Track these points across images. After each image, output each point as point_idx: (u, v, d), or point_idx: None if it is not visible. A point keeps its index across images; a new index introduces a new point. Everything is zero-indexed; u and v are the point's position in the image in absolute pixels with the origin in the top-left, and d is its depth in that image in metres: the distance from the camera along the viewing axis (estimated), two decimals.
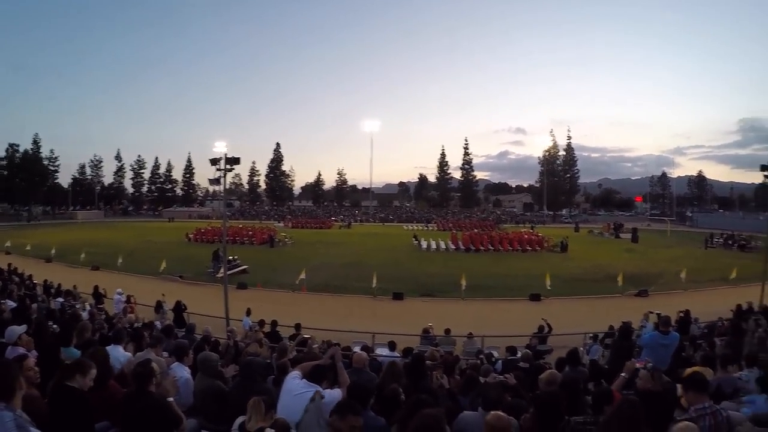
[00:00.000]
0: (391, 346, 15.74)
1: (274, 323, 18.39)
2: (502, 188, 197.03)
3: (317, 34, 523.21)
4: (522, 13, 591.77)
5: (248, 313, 20.20)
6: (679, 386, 6.47)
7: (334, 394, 5.81)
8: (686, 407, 5.57)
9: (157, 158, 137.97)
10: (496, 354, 15.60)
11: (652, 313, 18.44)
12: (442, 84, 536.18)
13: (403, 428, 4.83)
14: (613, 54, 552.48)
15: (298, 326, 17.47)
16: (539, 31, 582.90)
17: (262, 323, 18.25)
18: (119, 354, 7.86)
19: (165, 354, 8.40)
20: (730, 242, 61.73)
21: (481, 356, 14.50)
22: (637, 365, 7.59)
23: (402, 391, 6.72)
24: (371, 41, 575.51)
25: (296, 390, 5.92)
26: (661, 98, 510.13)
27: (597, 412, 5.70)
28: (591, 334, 19.59)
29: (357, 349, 12.86)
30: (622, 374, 7.27)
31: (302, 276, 31.10)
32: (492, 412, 4.70)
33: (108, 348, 7.44)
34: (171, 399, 5.48)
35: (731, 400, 7.21)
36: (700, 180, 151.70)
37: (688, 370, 6.26)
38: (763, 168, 24.52)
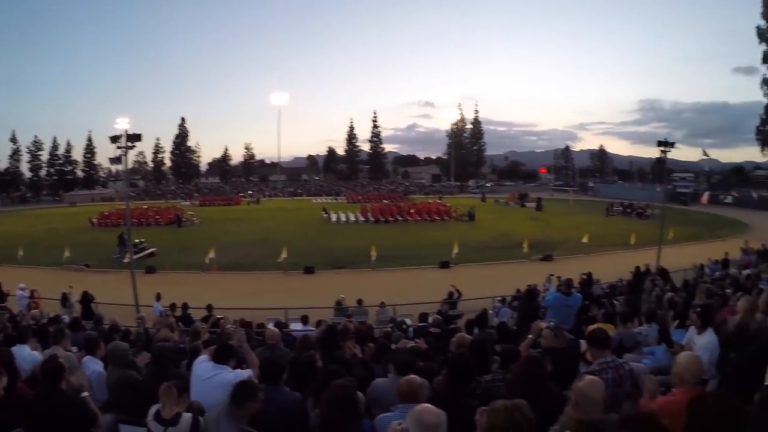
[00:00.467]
0: (304, 320, 15.87)
1: (185, 306, 18.19)
2: (411, 160, 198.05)
3: (222, 4, 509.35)
4: None
5: (158, 297, 19.75)
6: (583, 342, 6.82)
7: (242, 375, 5.76)
8: (591, 361, 5.86)
9: (55, 138, 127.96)
10: (408, 321, 15.92)
11: (554, 276, 19.25)
12: (352, 57, 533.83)
13: (317, 400, 4.92)
14: (523, 33, 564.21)
15: (209, 307, 17.36)
16: (451, 6, 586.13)
17: (173, 307, 18.00)
18: (25, 354, 7.49)
19: (74, 349, 8.20)
20: (628, 210, 64.90)
21: (391, 325, 14.82)
22: (542, 325, 7.96)
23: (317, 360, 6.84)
24: (279, 11, 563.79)
25: (205, 374, 5.88)
26: (567, 77, 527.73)
27: (505, 370, 5.98)
28: (499, 298, 20.28)
29: (270, 325, 12.87)
30: (529, 335, 7.56)
31: (211, 255, 30.75)
32: (404, 377, 4.84)
33: (13, 349, 7.17)
34: (85, 394, 5.39)
35: (633, 353, 7.74)
36: (601, 153, 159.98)
37: (591, 327, 6.60)
38: (660, 144, 26.89)
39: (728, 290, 12.39)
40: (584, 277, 20.35)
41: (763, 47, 33.86)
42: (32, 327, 10.57)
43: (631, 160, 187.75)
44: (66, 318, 15.41)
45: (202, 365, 6.05)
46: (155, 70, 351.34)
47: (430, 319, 13.73)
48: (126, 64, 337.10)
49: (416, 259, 33.69)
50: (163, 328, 11.14)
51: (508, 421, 3.31)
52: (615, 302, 14.83)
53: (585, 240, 35.20)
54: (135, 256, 25.01)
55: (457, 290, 20.88)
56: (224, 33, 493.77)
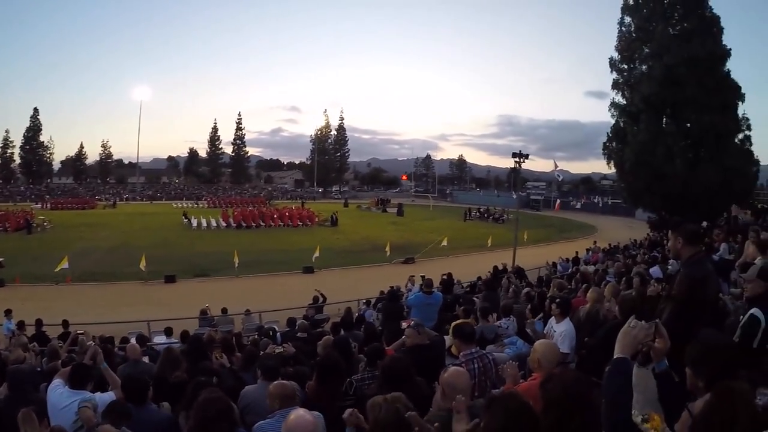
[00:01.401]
0: (168, 332, 15.54)
1: (38, 323, 17.03)
2: (275, 165, 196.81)
3: None
4: None
5: (8, 314, 18.26)
6: (447, 337, 7.14)
7: (105, 398, 5.46)
8: (456, 354, 6.16)
9: None
10: (276, 328, 15.89)
11: (415, 276, 19.84)
12: (218, 57, 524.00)
13: (189, 414, 4.86)
14: (391, 45, 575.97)
15: (65, 323, 16.42)
16: (322, 13, 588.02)
17: (21, 325, 16.83)
18: None
19: None
20: (486, 215, 69.26)
21: (257, 332, 14.79)
22: (403, 324, 8.24)
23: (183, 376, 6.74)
24: (141, 4, 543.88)
25: (62, 402, 5.36)
26: (432, 90, 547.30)
27: (372, 368, 6.16)
28: (364, 300, 20.64)
29: (132, 339, 12.52)
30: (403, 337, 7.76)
31: (65, 265, 29.06)
32: (275, 382, 4.88)
33: None
34: None
35: (494, 345, 8.35)
36: (460, 162, 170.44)
37: (455, 323, 6.90)
38: (515, 155, 29.95)
39: (579, 284, 13.45)
40: (445, 277, 21.00)
41: (613, 76, 36.88)
42: None
43: (489, 169, 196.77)
44: None
45: (57, 391, 5.57)
46: (5, 53, 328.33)
47: (296, 325, 13.80)
48: None
49: (280, 265, 33.71)
50: (15, 349, 10.57)
51: (392, 413, 3.44)
52: (475, 299, 15.50)
53: (444, 243, 36.41)
54: None
55: (322, 294, 21.06)
56: (84, 19, 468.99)
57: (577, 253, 27.98)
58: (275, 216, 58.56)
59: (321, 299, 20.91)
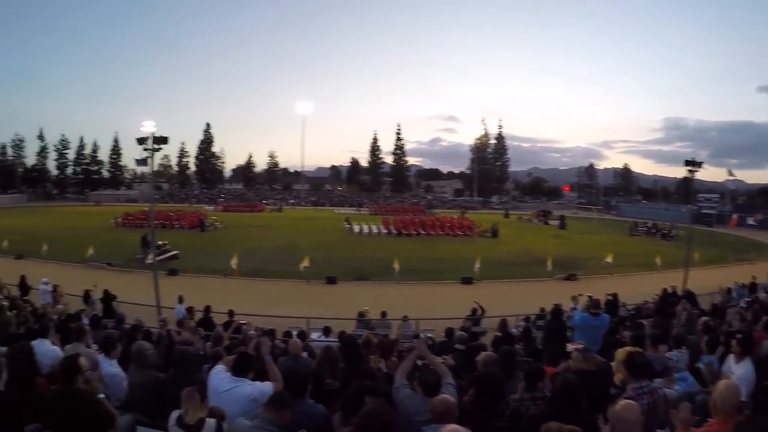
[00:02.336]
0: (326, 331, 15.71)
1: (207, 310, 18.09)
2: (434, 174, 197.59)
3: (247, 12, 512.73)
4: (457, 2, 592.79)
5: (180, 300, 19.67)
6: (612, 364, 6.64)
7: (264, 388, 5.60)
8: (619, 385, 5.71)
9: (82, 138, 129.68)
10: (433, 336, 15.73)
11: (581, 295, 18.90)
12: (376, 69, 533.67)
13: (348, 417, 4.79)
14: (546, 48, 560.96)
15: (231, 312, 17.22)
16: (475, 21, 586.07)
17: (190, 310, 17.95)
18: (46, 349, 7.39)
19: (94, 346, 8.12)
20: (653, 231, 63.98)
21: (414, 339, 14.63)
22: (569, 346, 7.76)
23: (340, 376, 6.70)
24: (304, 22, 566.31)
25: (222, 386, 5.70)
26: (591, 94, 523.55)
27: (532, 389, 5.80)
28: (523, 316, 19.96)
29: (294, 334, 12.77)
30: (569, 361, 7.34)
31: (234, 261, 30.69)
32: (438, 397, 4.70)
33: (34, 343, 7.07)
34: (101, 395, 5.30)
35: (662, 379, 7.48)
36: (625, 172, 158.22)
37: (626, 350, 6.41)
38: (687, 163, 25.77)
39: (759, 316, 12.12)
40: (610, 297, 20.01)
41: None
42: (54, 322, 10.52)
43: (656, 179, 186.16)
44: (85, 317, 15.40)
45: (219, 376, 5.89)
46: (181, 76, 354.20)
47: (454, 336, 13.53)
48: (153, 68, 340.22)
49: (438, 274, 33.43)
50: (184, 332, 11.06)
51: None
52: (643, 323, 14.59)
53: (609, 260, 34.72)
54: (158, 258, 25.02)
55: (481, 306, 20.61)
56: (250, 40, 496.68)
57: (754, 278, 24.41)
58: (435, 225, 58.56)
59: (479, 311, 20.51)
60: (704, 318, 11.99)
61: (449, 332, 13.94)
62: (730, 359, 7.13)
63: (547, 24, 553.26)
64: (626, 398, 4.81)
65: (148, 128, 65.12)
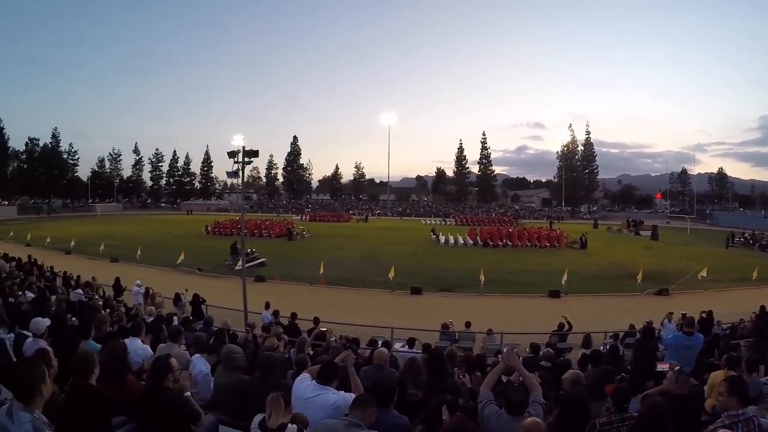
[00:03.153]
0: (410, 342, 15.64)
1: (293, 316, 18.37)
2: (520, 183, 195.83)
3: (334, 27, 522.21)
4: (541, 8, 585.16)
5: (267, 306, 20.05)
6: (705, 388, 6.35)
7: (347, 397, 5.63)
8: (709, 411, 5.46)
9: (175, 151, 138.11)
10: (517, 352, 15.48)
11: (672, 313, 18.23)
12: (460, 78, 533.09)
13: (429, 429, 4.77)
14: (632, 49, 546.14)
15: (316, 320, 17.42)
16: (558, 26, 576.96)
17: (276, 314, 18.48)
18: (137, 347, 7.75)
19: (184, 347, 8.36)
20: (751, 242, 60.99)
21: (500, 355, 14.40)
22: (661, 366, 7.46)
23: (423, 388, 6.66)
24: (389, 34, 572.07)
25: (306, 393, 5.81)
26: (680, 94, 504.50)
27: (620, 411, 5.58)
28: (611, 333, 19.41)
29: (380, 343, 12.80)
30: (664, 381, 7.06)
31: (320, 269, 31.07)
32: (531, 419, 4.59)
33: (126, 341, 7.36)
34: (188, 393, 5.44)
35: (756, 406, 7.08)
36: (720, 177, 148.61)
37: (720, 373, 6.12)
38: None
39: None
40: (704, 315, 19.21)
41: None
42: (146, 322, 10.87)
43: (753, 184, 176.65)
44: (176, 318, 15.89)
45: (304, 384, 5.99)
46: (270, 91, 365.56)
47: (541, 352, 13.26)
48: (242, 83, 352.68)
49: (525, 286, 32.79)
50: (270, 337, 11.23)
51: None
52: (739, 344, 13.95)
53: (704, 274, 33.29)
54: (246, 265, 25.55)
55: (568, 322, 20.13)
56: (336, 56, 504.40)
57: None
58: (522, 235, 57.79)
59: (566, 327, 20.05)
60: None
61: (535, 348, 13.67)
62: None
63: (634, 25, 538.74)
64: (722, 427, 4.60)
65: (238, 142, 66.70)
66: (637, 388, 7.21)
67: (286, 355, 9.85)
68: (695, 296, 29.66)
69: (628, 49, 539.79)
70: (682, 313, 13.94)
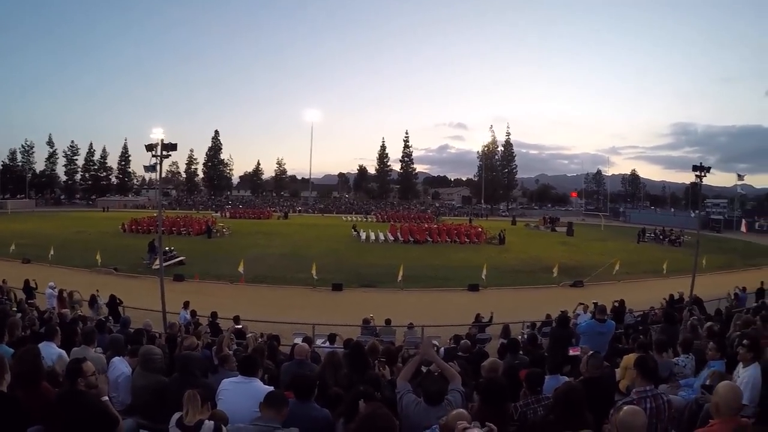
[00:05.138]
0: (331, 338, 15.66)
1: (213, 315, 18.20)
2: (441, 181, 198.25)
3: (257, 20, 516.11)
4: (466, 12, 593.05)
5: (185, 306, 19.76)
6: (617, 371, 6.61)
7: (270, 388, 5.74)
8: (623, 391, 5.70)
9: (91, 144, 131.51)
10: (436, 343, 15.70)
11: (581, 304, 18.88)
12: (384, 76, 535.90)
13: (349, 421, 4.81)
14: (554, 55, 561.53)
15: (236, 318, 17.23)
16: (484, 29, 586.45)
17: (193, 314, 18.35)
18: (52, 351, 7.47)
19: (99, 350, 8.14)
20: (661, 237, 64.18)
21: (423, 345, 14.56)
22: (571, 352, 7.75)
23: (344, 382, 6.70)
24: (313, 29, 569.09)
25: (233, 385, 5.92)
26: (599, 100, 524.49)
27: (533, 394, 5.83)
28: (529, 323, 19.92)
29: (298, 340, 12.76)
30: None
31: (241, 268, 30.71)
32: (454, 412, 4.66)
33: (40, 345, 7.11)
34: (106, 398, 5.32)
35: (668, 385, 7.51)
36: (633, 178, 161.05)
37: (632, 356, 6.40)
38: (695, 168, 25.19)
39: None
40: (616, 304, 19.96)
41: None
42: (59, 325, 10.54)
43: (664, 185, 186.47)
44: (91, 319, 15.48)
45: (230, 378, 6.09)
46: (190, 83, 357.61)
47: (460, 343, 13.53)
48: (162, 75, 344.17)
49: (445, 281, 33.48)
50: (189, 337, 11.06)
51: None
52: (649, 329, 14.58)
53: (616, 267, 34.62)
54: (164, 264, 25.04)
55: (488, 315, 20.60)
56: (260, 47, 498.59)
57: (762, 283, 24.01)
58: (442, 232, 58.47)
59: (485, 318, 20.47)
60: (709, 323, 11.93)
61: (457, 339, 13.97)
62: (738, 365, 7.04)
63: (556, 32, 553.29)
64: (630, 402, 4.80)
65: (157, 135, 65.00)
66: (554, 372, 7.49)
67: (206, 355, 9.73)
68: (609, 287, 30.78)
69: (552, 56, 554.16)
70: (593, 302, 14.48)
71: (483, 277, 31.57)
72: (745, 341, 7.10)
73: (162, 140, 20.49)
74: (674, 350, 9.45)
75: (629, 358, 7.52)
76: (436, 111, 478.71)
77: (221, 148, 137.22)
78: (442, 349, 13.72)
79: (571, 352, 8.73)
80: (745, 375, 6.60)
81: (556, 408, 4.84)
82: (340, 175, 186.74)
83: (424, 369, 8.14)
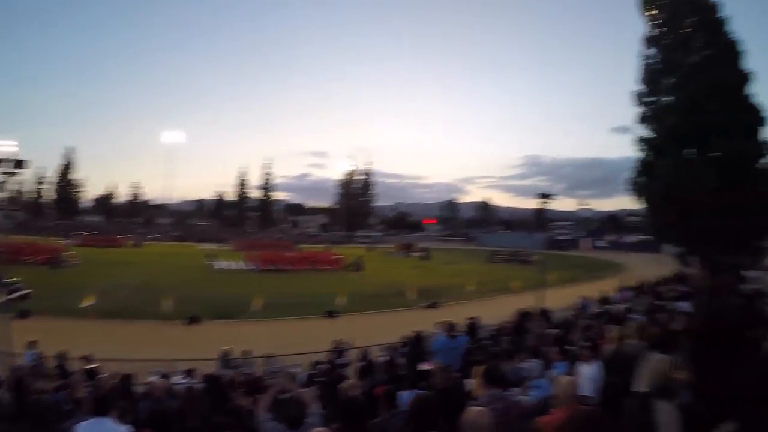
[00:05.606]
0: (189, 372, 15.42)
1: (61, 356, 17.17)
2: (301, 209, 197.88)
3: (115, 35, 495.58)
4: (326, 39, 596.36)
5: (31, 345, 18.40)
6: (471, 381, 7.08)
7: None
8: (476, 398, 6.12)
9: None
10: (299, 371, 15.80)
11: (441, 322, 19.60)
12: (244, 102, 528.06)
13: None
14: (416, 88, 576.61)
15: (87, 358, 16.46)
16: (345, 58, 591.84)
17: (40, 356, 17.15)
18: None
19: None
20: (511, 258, 68.61)
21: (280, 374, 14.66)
22: (425, 366, 8.18)
23: (204, 416, 6.72)
24: (168, 50, 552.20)
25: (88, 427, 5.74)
26: (456, 132, 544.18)
27: (390, 407, 6.14)
28: (386, 345, 20.33)
29: (154, 378, 12.52)
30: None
31: (90, 302, 29.35)
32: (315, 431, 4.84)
33: None
34: None
35: (519, 387, 8.18)
36: (485, 205, 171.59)
37: (482, 367, 6.86)
38: (540, 195, 28.60)
39: (607, 324, 13.25)
40: (470, 321, 20.79)
41: (637, 109, 36.19)
42: None
43: (515, 211, 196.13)
44: None
45: (84, 423, 5.91)
46: (42, 94, 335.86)
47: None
48: (10, 83, 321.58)
49: (303, 309, 33.37)
50: (39, 379, 10.60)
51: None
52: (502, 341, 15.41)
53: (471, 287, 36.05)
54: (8, 297, 23.58)
55: (344, 341, 20.87)
56: (116, 66, 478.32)
57: (604, 293, 26.42)
58: (301, 259, 58.53)
59: (344, 344, 20.72)
60: (554, 331, 13.18)
61: (317, 365, 14.19)
62: (580, 364, 7.80)
63: (417, 65, 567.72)
64: (479, 405, 5.18)
65: (6, 148, 60.27)
66: (410, 387, 7.88)
67: (59, 399, 9.39)
68: (464, 306, 31.99)
69: (412, 88, 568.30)
70: (444, 321, 15.17)
71: (339, 303, 31.89)
72: (585, 343, 7.97)
73: (13, 155, 19.43)
74: (523, 357, 10.19)
75: (479, 369, 8.06)
76: (297, 139, 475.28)
77: (73, 168, 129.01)
78: (304, 375, 13.87)
79: (424, 367, 9.18)
80: (587, 371, 7.39)
81: (410, 419, 5.12)
82: (198, 201, 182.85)
83: (283, 397, 8.30)
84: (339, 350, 20.05)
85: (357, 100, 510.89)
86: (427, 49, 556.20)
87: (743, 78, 33.74)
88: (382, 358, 16.72)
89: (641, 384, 3.19)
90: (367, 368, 11.08)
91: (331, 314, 31.32)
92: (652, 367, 3.28)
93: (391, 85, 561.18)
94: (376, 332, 24.10)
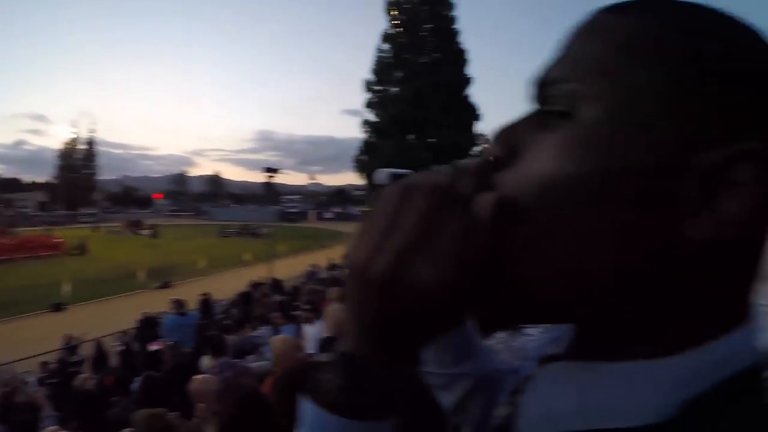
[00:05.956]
0: None
1: None
2: (15, 185, 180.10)
3: None
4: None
5: None
6: (205, 357, 7.49)
7: None
8: None
9: None
10: (29, 377, 15.03)
11: (175, 300, 19.61)
12: None
13: None
14: (149, 54, 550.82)
15: None
16: (72, 12, 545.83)
17: None
18: None
19: None
20: (243, 231, 70.26)
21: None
22: (154, 346, 8.41)
23: None
24: None
25: None
26: (187, 102, 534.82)
27: (123, 393, 6.34)
28: (120, 333, 19.85)
29: None
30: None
31: None
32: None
33: None
34: None
35: (254, 355, 8.72)
36: (216, 179, 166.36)
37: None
38: (267, 170, 31.67)
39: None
40: (202, 297, 20.95)
41: (367, 96, 40.17)
42: None
43: (246, 185, 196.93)
44: None
45: None
46: None
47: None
48: None
49: (23, 305, 30.33)
50: None
51: (152, 428, 3.70)
52: (232, 313, 15.92)
53: (203, 263, 36.08)
54: None
55: (74, 336, 19.92)
56: None
57: (331, 259, 28.59)
58: (15, 247, 53.63)
59: (74, 340, 19.75)
60: (279, 298, 14.39)
61: (46, 367, 13.71)
62: (305, 326, 8.60)
63: (150, 32, 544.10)
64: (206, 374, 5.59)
65: None
66: (145, 370, 8.11)
67: None
68: (197, 283, 31.53)
69: (145, 54, 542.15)
70: (173, 299, 15.23)
71: (66, 293, 30.17)
72: (305, 306, 8.81)
73: None
74: (254, 326, 10.82)
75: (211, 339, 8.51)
76: (12, 99, 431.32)
77: None
78: (34, 379, 13.29)
79: (155, 347, 9.34)
80: (310, 332, 8.19)
81: (140, 399, 5.38)
82: None
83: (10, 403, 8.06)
84: (71, 347, 19.19)
85: (81, 60, 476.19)
86: (167, 12, 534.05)
87: (465, 81, 40.42)
88: (118, 347, 16.47)
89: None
90: (101, 360, 10.97)
91: (58, 307, 29.35)
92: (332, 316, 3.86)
93: (121, 45, 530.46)
94: (109, 321, 23.32)
